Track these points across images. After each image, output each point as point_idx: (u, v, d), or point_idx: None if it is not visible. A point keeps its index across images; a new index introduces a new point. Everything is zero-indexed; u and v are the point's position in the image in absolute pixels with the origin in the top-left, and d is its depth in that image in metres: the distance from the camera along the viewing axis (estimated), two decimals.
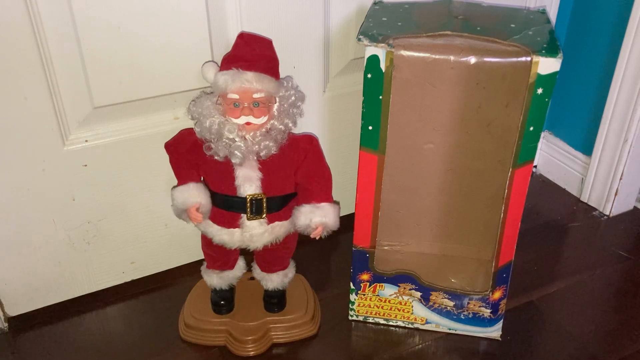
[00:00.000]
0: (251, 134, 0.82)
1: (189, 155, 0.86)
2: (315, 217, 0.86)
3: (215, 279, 0.96)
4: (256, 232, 0.87)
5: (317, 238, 0.88)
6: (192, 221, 0.87)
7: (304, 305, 0.98)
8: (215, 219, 0.88)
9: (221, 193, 0.86)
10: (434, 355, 0.96)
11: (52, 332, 0.99)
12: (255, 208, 0.86)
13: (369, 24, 0.83)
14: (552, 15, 1.25)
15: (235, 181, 0.84)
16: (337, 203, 0.90)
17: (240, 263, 0.99)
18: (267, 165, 0.84)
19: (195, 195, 0.85)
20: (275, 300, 0.97)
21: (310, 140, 0.88)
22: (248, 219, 0.86)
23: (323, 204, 0.87)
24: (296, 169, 0.87)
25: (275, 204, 0.87)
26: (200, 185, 0.86)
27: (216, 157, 0.82)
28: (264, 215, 0.87)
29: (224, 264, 0.96)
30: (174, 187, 0.88)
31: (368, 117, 0.82)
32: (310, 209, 0.87)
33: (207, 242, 0.92)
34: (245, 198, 0.85)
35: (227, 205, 0.86)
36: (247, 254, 0.96)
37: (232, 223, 0.87)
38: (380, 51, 0.77)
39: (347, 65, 1.07)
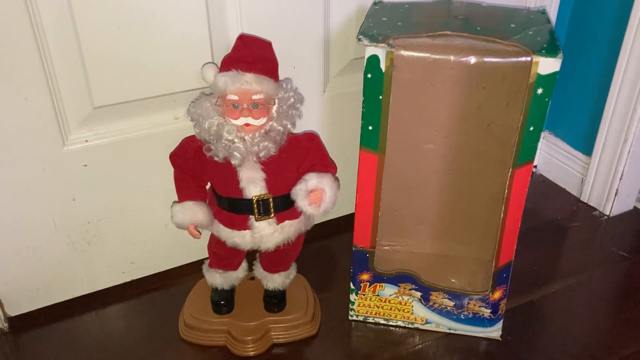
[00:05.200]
0: (250, 135, 0.82)
1: (193, 163, 0.87)
2: (312, 180, 0.85)
3: (218, 279, 0.97)
4: (266, 232, 0.87)
5: (316, 206, 0.85)
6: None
7: (304, 306, 0.98)
8: (225, 222, 0.88)
9: (228, 196, 0.86)
10: (434, 355, 0.96)
11: (52, 332, 0.99)
12: (262, 208, 0.86)
13: (369, 24, 0.83)
14: (552, 15, 1.25)
15: (240, 183, 0.84)
16: (337, 180, 0.88)
17: (244, 264, 0.99)
18: (270, 166, 0.84)
19: (191, 215, 0.86)
20: (275, 300, 0.97)
21: (311, 138, 0.88)
22: (256, 220, 0.86)
23: (323, 173, 0.86)
24: (298, 165, 0.87)
25: (283, 203, 0.87)
26: (197, 204, 0.87)
27: (216, 158, 0.82)
28: (272, 215, 0.87)
29: (229, 264, 0.96)
30: (174, 202, 0.89)
31: (368, 117, 0.82)
32: (309, 175, 0.86)
33: (217, 242, 0.92)
34: (251, 199, 0.85)
35: (234, 208, 0.87)
36: (249, 254, 0.96)
37: (242, 225, 0.87)
38: (380, 51, 0.77)
39: (347, 65, 1.07)
